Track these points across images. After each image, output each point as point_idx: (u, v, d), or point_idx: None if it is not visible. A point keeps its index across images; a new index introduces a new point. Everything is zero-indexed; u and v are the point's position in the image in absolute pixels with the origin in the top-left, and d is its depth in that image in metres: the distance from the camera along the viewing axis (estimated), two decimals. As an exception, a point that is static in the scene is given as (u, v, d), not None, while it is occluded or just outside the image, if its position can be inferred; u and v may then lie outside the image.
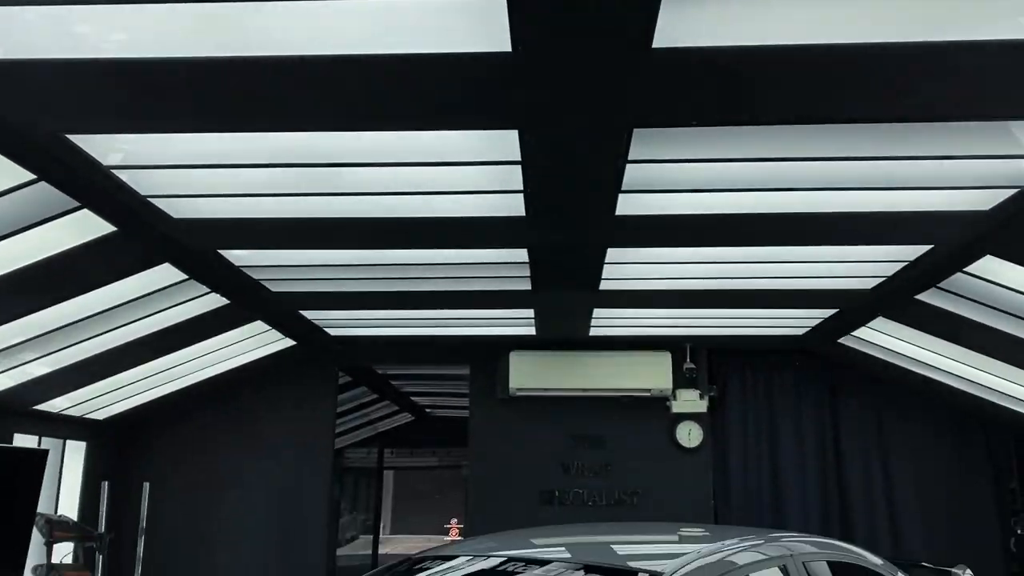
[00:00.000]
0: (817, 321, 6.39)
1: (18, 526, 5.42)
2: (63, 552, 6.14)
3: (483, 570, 3.31)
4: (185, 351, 6.28)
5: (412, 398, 12.29)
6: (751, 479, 7.35)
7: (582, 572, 3.11)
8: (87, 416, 6.80)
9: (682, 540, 3.39)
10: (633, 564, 3.08)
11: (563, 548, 3.46)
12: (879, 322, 6.04)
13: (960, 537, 7.02)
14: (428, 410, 13.34)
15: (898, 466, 7.27)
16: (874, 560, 3.95)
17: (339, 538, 13.58)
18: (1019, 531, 7.03)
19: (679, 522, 4.13)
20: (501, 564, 3.28)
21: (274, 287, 5.50)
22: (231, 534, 7.30)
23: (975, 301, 5.03)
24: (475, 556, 3.44)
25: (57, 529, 5.92)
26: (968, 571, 4.62)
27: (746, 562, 3.18)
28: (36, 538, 5.69)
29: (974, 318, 5.25)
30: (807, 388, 7.51)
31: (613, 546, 3.63)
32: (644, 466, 7.34)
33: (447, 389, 10.86)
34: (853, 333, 6.50)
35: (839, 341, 6.79)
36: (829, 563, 3.60)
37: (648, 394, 7.34)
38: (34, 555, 5.70)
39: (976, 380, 6.31)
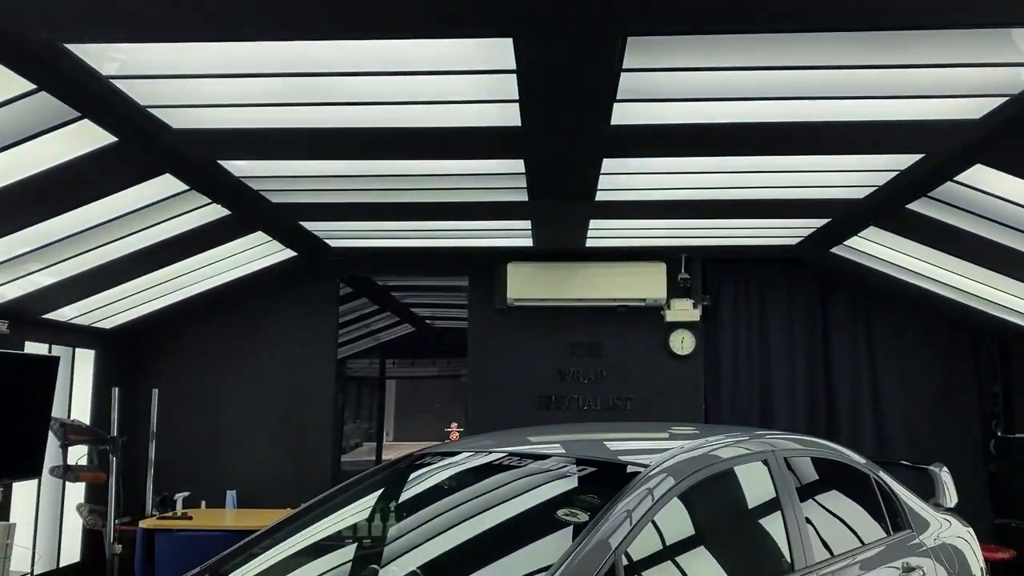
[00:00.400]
0: (810, 231, 6.48)
1: (35, 429, 5.63)
2: (78, 454, 6.39)
3: (480, 465, 3.50)
4: (188, 261, 6.38)
5: (412, 309, 12.49)
6: (741, 385, 7.58)
7: (574, 466, 3.29)
8: (95, 325, 6.96)
9: (672, 438, 3.57)
10: (622, 459, 3.25)
11: (558, 444, 3.63)
12: (871, 231, 6.13)
13: (943, 439, 7.28)
14: (428, 321, 13.57)
15: (885, 372, 7.49)
16: (856, 458, 4.15)
17: (343, 445, 14.00)
18: (999, 433, 7.30)
19: (671, 422, 4.32)
20: (498, 459, 3.46)
21: (274, 198, 5.56)
22: (239, 439, 7.56)
23: (965, 210, 5.11)
24: (474, 452, 3.63)
25: (71, 432, 6.13)
26: (944, 469, 4.83)
27: (728, 456, 3.36)
28: (52, 441, 5.91)
29: (964, 227, 5.34)
30: (799, 297, 7.66)
31: (606, 443, 3.81)
32: (638, 373, 7.56)
33: (446, 300, 11.04)
34: (845, 243, 6.60)
35: (831, 251, 6.89)
36: (812, 460, 3.81)
37: (643, 304, 7.49)
38: (51, 457, 5.94)
39: (964, 288, 6.44)
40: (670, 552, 2.91)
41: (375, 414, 16.80)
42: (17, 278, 5.53)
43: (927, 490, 4.65)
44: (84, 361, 7.09)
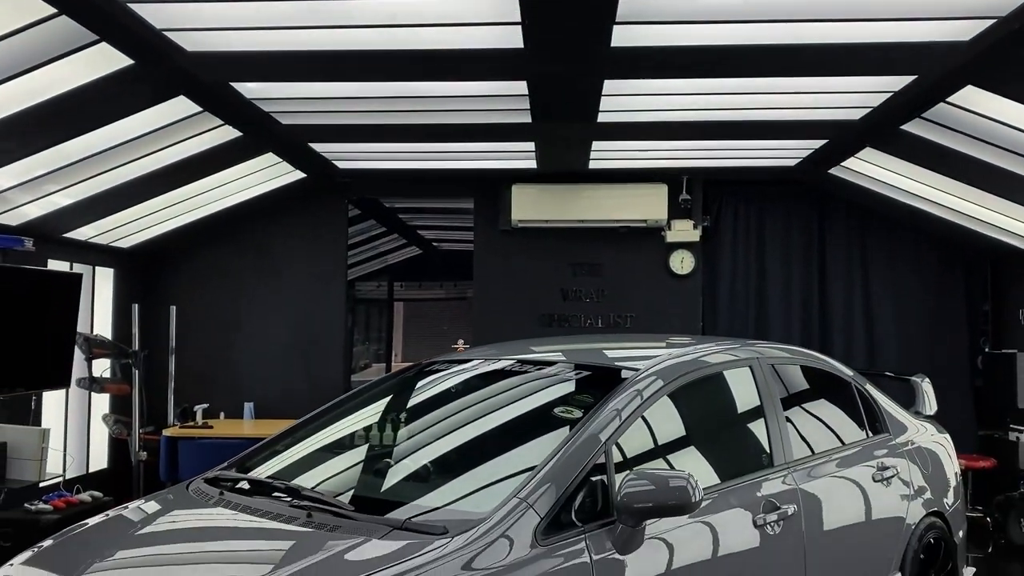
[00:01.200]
0: (808, 152, 6.61)
1: (61, 343, 5.91)
2: (101, 368, 6.71)
3: (485, 371, 3.76)
4: (201, 182, 6.56)
5: (419, 232, 12.68)
6: (738, 304, 7.81)
7: (573, 371, 3.54)
8: (113, 244, 7.19)
9: (669, 347, 3.80)
10: (616, 364, 3.49)
11: (559, 352, 3.86)
12: (867, 152, 6.26)
13: (932, 355, 7.53)
14: (435, 244, 13.78)
15: (878, 291, 7.71)
16: (839, 367, 4.40)
17: (353, 366, 14.37)
18: (986, 349, 7.55)
19: (669, 334, 4.53)
20: (501, 366, 3.72)
21: (284, 119, 5.71)
22: (254, 355, 7.86)
23: (957, 131, 5.24)
24: (478, 360, 3.89)
25: (95, 346, 6.44)
26: (926, 380, 5.08)
27: (715, 361, 3.61)
28: (77, 356, 6.21)
29: (956, 148, 5.47)
30: (796, 218, 7.83)
31: (603, 351, 4.05)
32: (638, 292, 7.79)
33: (452, 223, 11.23)
34: (842, 164, 6.73)
35: (829, 172, 7.03)
36: (797, 368, 4.05)
37: (644, 225, 7.67)
38: (76, 371, 6.24)
39: (957, 208, 6.60)
40: (658, 445, 3.17)
41: (384, 336, 17.18)
42: (38, 198, 5.74)
43: (911, 401, 4.92)
44: (104, 280, 7.34)
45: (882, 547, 3.91)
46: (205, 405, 7.46)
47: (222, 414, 7.56)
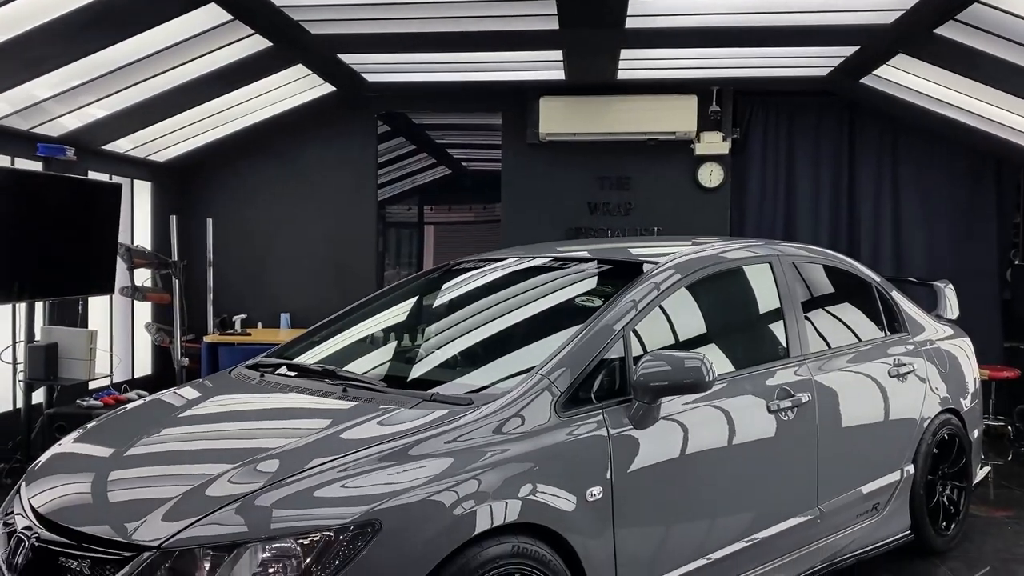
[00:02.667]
0: (839, 60, 6.52)
1: (105, 250, 6.12)
2: (142, 278, 6.94)
3: (510, 270, 3.88)
4: (233, 95, 6.66)
5: (448, 151, 12.71)
6: (766, 216, 7.82)
7: (596, 266, 3.65)
8: (149, 158, 7.36)
9: (693, 245, 3.85)
10: (639, 259, 3.58)
11: (584, 251, 3.94)
12: (899, 60, 6.16)
13: (961, 266, 7.48)
14: (464, 163, 13.81)
15: (908, 202, 7.65)
16: (863, 269, 4.46)
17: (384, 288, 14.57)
18: (1016, 262, 7.51)
19: (696, 235, 4.58)
20: (526, 264, 3.84)
21: (312, 29, 5.75)
22: (289, 267, 8.06)
23: (992, 33, 5.13)
24: (504, 259, 4.01)
25: (136, 256, 6.66)
26: (949, 285, 5.13)
27: (734, 257, 3.69)
28: (119, 266, 6.43)
29: (991, 51, 5.37)
30: (827, 129, 7.75)
31: (629, 249, 4.11)
32: (665, 205, 7.81)
33: (481, 140, 11.24)
34: (874, 72, 6.63)
35: (861, 81, 6.93)
36: (817, 267, 4.11)
37: (673, 137, 7.65)
38: (119, 281, 6.47)
39: (990, 116, 6.50)
40: (676, 335, 3.29)
41: (414, 261, 17.39)
42: (74, 109, 5.88)
43: (934, 307, 4.97)
44: (141, 193, 7.53)
45: (896, 440, 4.03)
46: (243, 315, 7.71)
47: (259, 324, 7.82)
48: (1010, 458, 6.52)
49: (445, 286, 4.02)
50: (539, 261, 3.79)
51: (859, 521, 3.79)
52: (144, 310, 7.53)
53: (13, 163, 5.74)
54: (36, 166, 5.94)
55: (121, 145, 6.79)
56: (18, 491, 2.73)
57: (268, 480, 2.28)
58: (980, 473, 4.84)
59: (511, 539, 2.40)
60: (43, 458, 2.94)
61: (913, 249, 7.65)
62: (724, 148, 7.70)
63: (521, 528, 2.43)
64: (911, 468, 4.08)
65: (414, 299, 4.01)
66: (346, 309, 3.99)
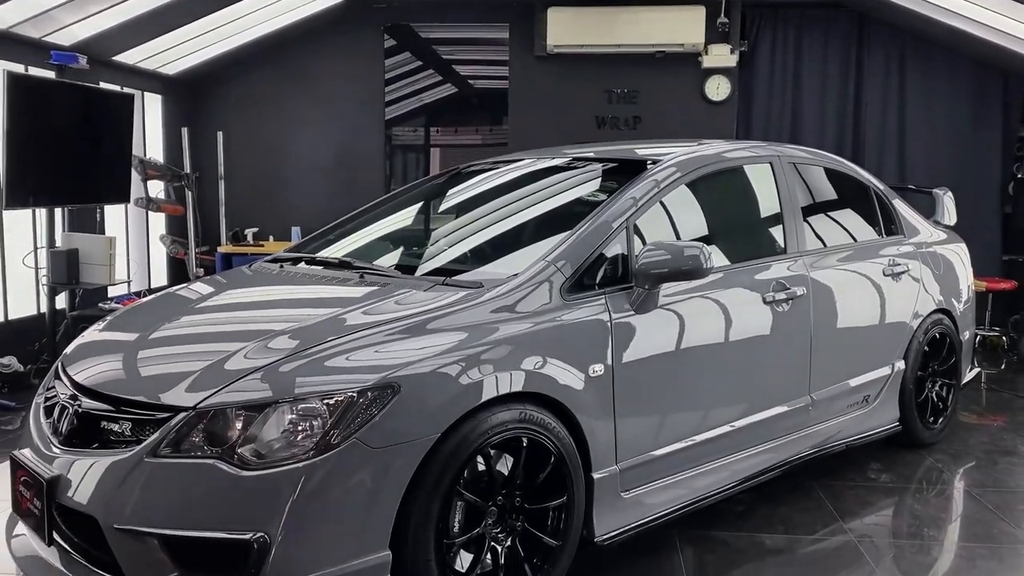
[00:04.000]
0: (849, -32, 6.48)
1: (120, 159, 6.23)
2: (155, 190, 7.06)
3: (516, 172, 4.00)
4: (240, 5, 6.65)
5: (454, 67, 12.62)
6: (772, 129, 7.86)
7: (600, 165, 3.76)
8: (159, 70, 7.40)
9: (696, 144, 3.93)
10: (642, 157, 3.68)
11: (590, 152, 4.03)
12: (910, -33, 6.12)
13: (963, 178, 7.55)
14: (470, 81, 13.71)
15: (914, 116, 7.68)
16: (861, 172, 4.55)
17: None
18: (1019, 175, 7.57)
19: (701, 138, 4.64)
20: (532, 166, 3.95)
21: (320, -65, 5.73)
22: (299, 181, 8.17)
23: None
24: (514, 161, 4.11)
25: (149, 168, 6.77)
26: (948, 193, 5.21)
27: (735, 156, 3.79)
28: (134, 178, 6.54)
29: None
30: (835, 41, 7.73)
31: (635, 149, 4.20)
32: (672, 118, 7.85)
33: (488, 56, 11.16)
34: (884, -19, 6.59)
35: (869, -10, 6.89)
36: (816, 169, 4.20)
37: (681, 49, 7.64)
38: (133, 192, 6.59)
39: (998, 27, 6.48)
40: (676, 229, 3.42)
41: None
42: (84, 18, 5.90)
43: (933, 214, 5.06)
44: (152, 106, 7.59)
45: (887, 335, 4.20)
46: (255, 229, 7.85)
47: (271, 237, 7.97)
48: (1003, 366, 6.71)
49: (456, 187, 4.14)
50: (548, 162, 3.91)
51: (849, 411, 3.98)
52: (158, 223, 7.68)
53: (27, 71, 5.80)
54: (49, 74, 6.00)
55: (132, 56, 6.83)
56: (56, 372, 2.92)
57: (292, 351, 2.45)
58: (970, 373, 5.02)
59: (519, 407, 2.58)
60: (73, 345, 3.11)
61: (916, 162, 7.72)
62: (731, 61, 7.69)
63: (529, 398, 2.62)
64: (901, 364, 4.26)
65: (427, 198, 4.13)
66: (362, 208, 4.12)
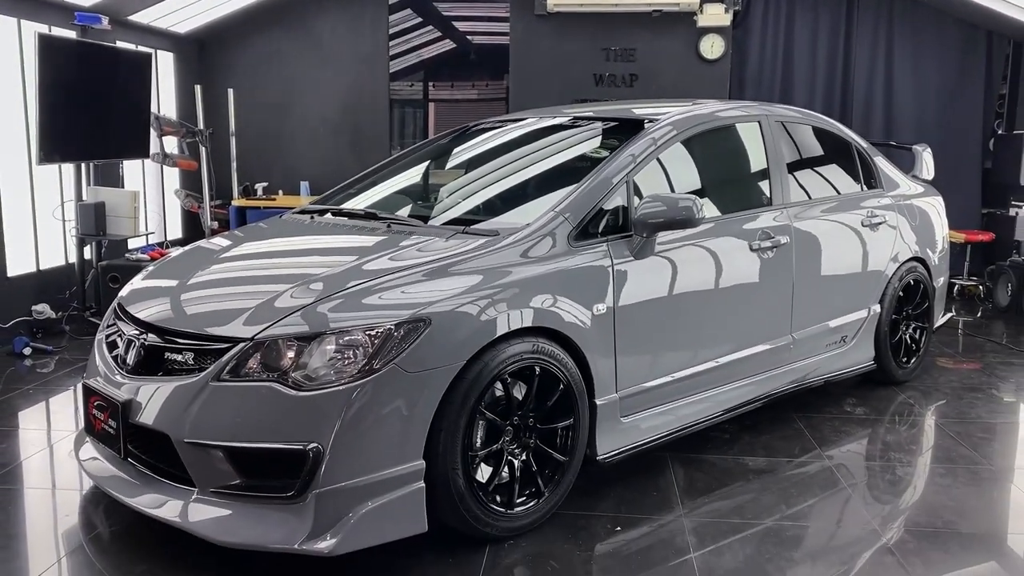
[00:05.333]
0: (840, -70, 6.69)
1: (138, 115, 6.49)
2: (170, 145, 7.33)
3: (519, 131, 4.30)
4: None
5: (455, 23, 12.77)
6: (764, 87, 8.14)
7: (601, 124, 4.06)
8: (171, 29, 7.61)
9: (691, 104, 4.23)
10: (640, 116, 3.99)
11: (590, 112, 4.33)
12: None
13: (947, 134, 7.87)
14: (469, 37, 13.85)
15: (901, 72, 7.97)
16: (844, 129, 4.86)
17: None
18: (999, 131, 7.88)
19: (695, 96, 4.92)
20: (535, 125, 4.26)
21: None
22: (307, 136, 8.44)
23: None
24: (521, 119, 4.42)
25: (165, 124, 7.03)
26: (927, 149, 5.53)
27: (726, 116, 4.11)
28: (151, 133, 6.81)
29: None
30: (826, 1, 7.97)
31: (633, 109, 4.50)
32: (668, 76, 8.12)
33: (487, 12, 11.32)
34: (874, -58, 6.81)
35: (861, -48, 7.11)
36: (801, 126, 4.51)
37: (677, 8, 7.88)
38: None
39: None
40: (671, 184, 3.74)
41: (420, 137, 17.53)
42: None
43: (912, 169, 5.39)
44: (164, 64, 7.82)
45: (865, 281, 4.56)
46: (265, 183, 8.14)
47: (280, 191, 8.26)
48: (979, 314, 7.09)
49: (467, 143, 4.46)
50: (551, 120, 4.23)
51: (828, 350, 4.36)
52: (172, 178, 7.96)
53: (50, 31, 6.04)
54: (71, 34, 6.24)
55: (146, 15, 7.05)
56: (115, 312, 3.26)
57: (333, 291, 2.80)
58: (942, 318, 5.39)
59: (532, 340, 2.94)
60: (128, 289, 3.44)
61: (903, 119, 8.02)
62: (726, 20, 7.93)
63: (541, 333, 2.98)
64: (877, 307, 4.63)
65: (439, 155, 4.45)
66: (379, 164, 4.43)
